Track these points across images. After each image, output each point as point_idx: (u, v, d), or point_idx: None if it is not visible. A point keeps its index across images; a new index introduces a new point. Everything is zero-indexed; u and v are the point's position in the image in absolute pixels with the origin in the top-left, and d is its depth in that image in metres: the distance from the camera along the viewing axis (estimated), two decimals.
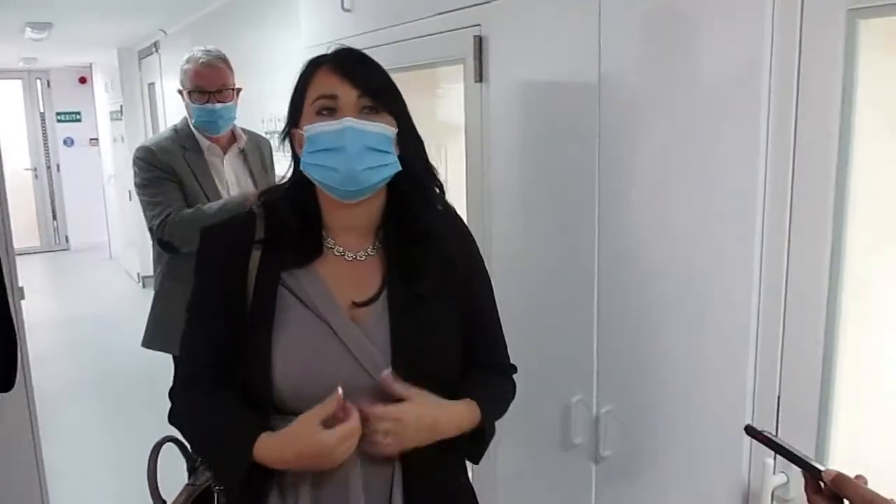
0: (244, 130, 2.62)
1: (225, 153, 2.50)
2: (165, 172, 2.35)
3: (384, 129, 1.11)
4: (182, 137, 2.44)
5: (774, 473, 1.15)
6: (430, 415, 1.11)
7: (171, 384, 1.23)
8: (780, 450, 0.95)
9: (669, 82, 1.28)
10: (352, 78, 1.10)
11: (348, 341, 1.11)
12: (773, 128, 1.12)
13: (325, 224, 1.18)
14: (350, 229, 1.18)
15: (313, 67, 1.14)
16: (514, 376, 1.31)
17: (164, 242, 2.30)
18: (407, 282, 1.16)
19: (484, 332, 1.26)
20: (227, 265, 1.15)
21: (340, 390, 1.03)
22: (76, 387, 4.62)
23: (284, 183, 1.21)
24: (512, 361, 1.33)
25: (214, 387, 1.14)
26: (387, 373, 1.08)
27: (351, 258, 1.17)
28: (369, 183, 1.11)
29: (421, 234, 1.17)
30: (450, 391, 1.16)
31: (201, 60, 2.40)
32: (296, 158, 1.17)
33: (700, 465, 1.30)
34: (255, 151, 2.61)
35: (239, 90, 2.50)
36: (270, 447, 1.04)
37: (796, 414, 1.14)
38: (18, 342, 2.01)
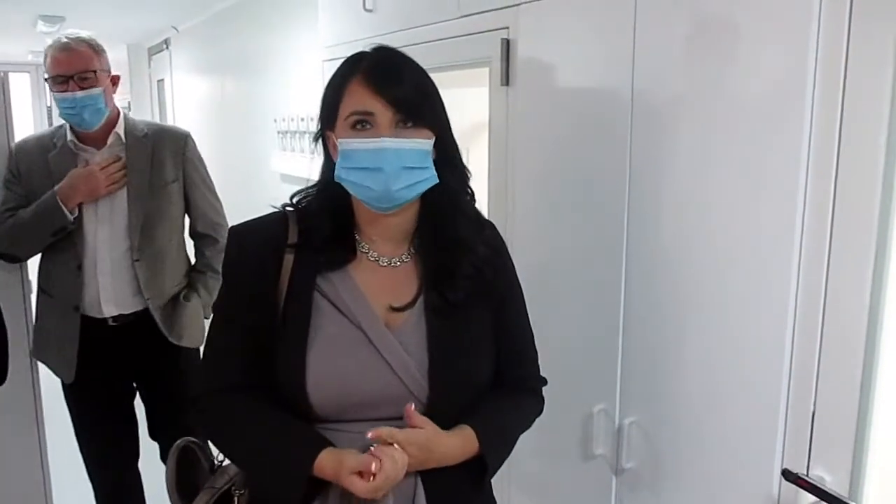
0: (149, 124, 2.30)
1: (100, 149, 2.18)
2: (14, 176, 2.17)
3: (420, 144, 1.08)
4: (57, 135, 2.18)
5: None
6: (431, 444, 1.09)
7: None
8: (824, 496, 0.94)
9: (706, 92, 1.26)
10: (386, 94, 1.06)
11: (383, 349, 1.10)
12: (816, 138, 1.10)
13: (359, 229, 1.16)
14: (387, 236, 1.16)
15: (346, 76, 1.09)
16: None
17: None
18: (441, 289, 1.14)
19: (512, 345, 1.24)
20: (260, 267, 1.12)
21: (372, 450, 1.03)
22: None
23: (315, 185, 1.19)
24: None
25: (254, 395, 1.11)
26: (411, 406, 1.08)
27: (386, 264, 1.15)
28: (404, 200, 1.09)
29: (450, 242, 1.15)
30: (479, 398, 1.16)
31: (59, 44, 2.09)
32: (325, 158, 1.16)
33: (728, 480, 1.27)
34: (145, 148, 2.20)
35: (116, 77, 2.20)
36: (324, 467, 1.03)
37: (831, 431, 1.12)
38: (11, 337, 1.98)
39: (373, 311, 1.11)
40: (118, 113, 2.22)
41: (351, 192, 1.10)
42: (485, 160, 1.90)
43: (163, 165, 2.22)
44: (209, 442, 1.25)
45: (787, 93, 1.12)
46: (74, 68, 2.08)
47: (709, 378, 1.29)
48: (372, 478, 0.99)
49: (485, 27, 1.81)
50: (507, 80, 1.76)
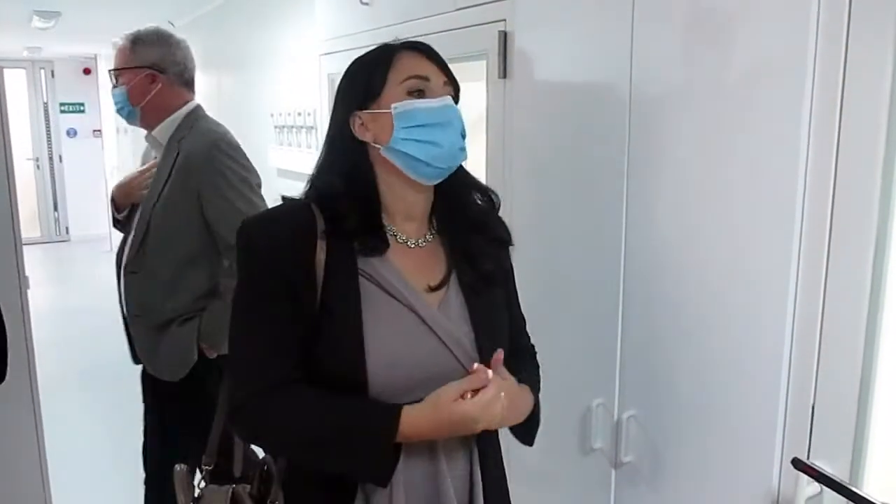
0: (200, 127, 2.12)
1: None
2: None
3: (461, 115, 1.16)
4: None
5: (808, 484, 1.12)
6: (515, 392, 1.13)
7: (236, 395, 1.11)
8: (835, 486, 0.94)
9: (705, 84, 1.25)
10: (437, 61, 1.15)
11: (436, 327, 1.11)
12: (815, 128, 1.09)
13: (386, 212, 1.17)
14: (412, 217, 1.18)
15: (395, 50, 1.14)
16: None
17: None
18: (473, 265, 1.18)
19: (515, 317, 1.31)
20: (293, 256, 1.08)
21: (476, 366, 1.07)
22: (78, 376, 4.60)
23: (323, 172, 1.17)
24: None
25: (298, 388, 1.08)
26: (478, 365, 1.09)
27: (413, 245, 1.17)
28: (457, 163, 1.14)
29: (471, 222, 1.21)
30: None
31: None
32: (345, 145, 1.15)
33: (727, 473, 1.27)
34: (173, 153, 2.06)
35: (152, 75, 2.09)
36: (412, 421, 1.04)
37: (831, 423, 1.11)
38: (9, 333, 1.97)
39: (416, 291, 1.13)
40: (166, 112, 2.10)
41: (412, 155, 1.10)
42: (482, 154, 1.89)
43: (179, 176, 2.01)
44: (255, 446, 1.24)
45: (787, 84, 1.11)
46: (114, 67, 2.15)
47: (707, 372, 1.29)
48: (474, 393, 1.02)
49: (481, 20, 1.80)
50: (504, 72, 1.75)
